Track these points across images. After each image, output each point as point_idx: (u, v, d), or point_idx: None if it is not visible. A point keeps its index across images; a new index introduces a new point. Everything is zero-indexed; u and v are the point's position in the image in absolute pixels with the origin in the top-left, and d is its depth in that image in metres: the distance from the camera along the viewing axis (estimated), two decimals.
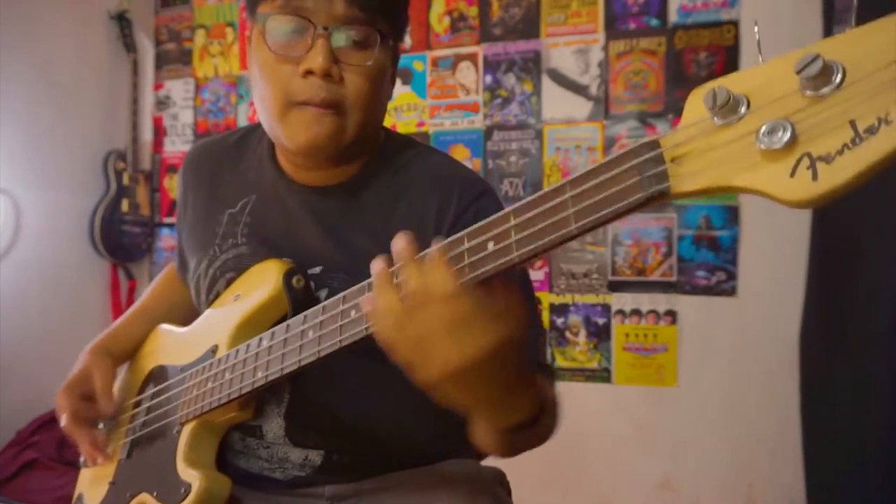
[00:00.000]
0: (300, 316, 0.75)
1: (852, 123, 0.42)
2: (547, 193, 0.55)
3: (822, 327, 1.81)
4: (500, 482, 1.02)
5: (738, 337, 2.14)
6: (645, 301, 2.23)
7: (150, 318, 1.10)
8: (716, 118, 0.47)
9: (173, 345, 1.01)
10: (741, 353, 2.13)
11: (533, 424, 0.68)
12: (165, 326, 1.07)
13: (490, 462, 1.07)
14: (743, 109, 0.46)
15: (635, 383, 2.22)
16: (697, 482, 2.17)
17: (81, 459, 1.08)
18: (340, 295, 0.70)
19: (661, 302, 2.21)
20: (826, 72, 0.43)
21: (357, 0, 0.79)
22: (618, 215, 0.51)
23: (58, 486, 2.07)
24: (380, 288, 0.61)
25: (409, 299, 0.59)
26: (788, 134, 0.44)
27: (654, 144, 0.50)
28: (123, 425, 1.01)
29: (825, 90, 0.43)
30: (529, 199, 0.56)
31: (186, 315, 1.12)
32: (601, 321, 2.27)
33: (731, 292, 2.14)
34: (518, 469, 1.05)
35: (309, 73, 0.80)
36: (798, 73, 0.43)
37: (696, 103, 0.49)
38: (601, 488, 2.24)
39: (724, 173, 0.47)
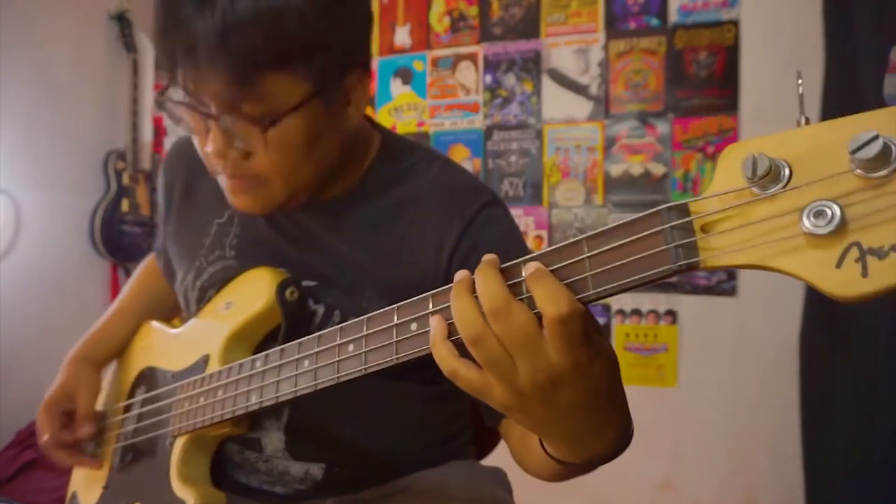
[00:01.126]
0: (295, 343, 0.72)
1: None
2: (560, 249, 0.51)
3: (822, 327, 1.81)
4: (500, 481, 1.02)
5: (738, 337, 2.14)
6: (645, 301, 2.23)
7: (134, 315, 1.07)
8: (754, 188, 0.43)
9: (164, 346, 0.99)
10: (741, 353, 2.13)
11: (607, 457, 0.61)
12: (156, 324, 1.05)
13: (489, 461, 1.07)
14: (785, 177, 0.42)
15: (635, 383, 2.22)
16: (697, 482, 2.17)
17: None
18: (337, 327, 0.67)
19: (661, 302, 2.21)
20: (884, 153, 0.38)
21: (224, 83, 0.70)
22: (641, 284, 0.47)
23: (58, 486, 2.07)
24: (458, 296, 0.53)
25: (492, 312, 0.51)
26: (837, 219, 0.39)
27: (684, 211, 0.46)
28: (114, 429, 0.99)
29: (881, 173, 0.38)
30: (541, 252, 0.52)
31: (171, 308, 1.10)
32: (601, 321, 2.27)
33: (731, 292, 2.14)
34: (518, 468, 1.05)
35: (207, 155, 0.77)
36: (853, 153, 0.39)
37: (732, 166, 0.44)
38: (601, 488, 2.24)
39: (763, 254, 0.42)
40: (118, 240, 2.72)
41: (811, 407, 1.86)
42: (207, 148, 0.76)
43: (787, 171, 0.42)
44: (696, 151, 2.17)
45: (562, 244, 0.51)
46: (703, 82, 2.17)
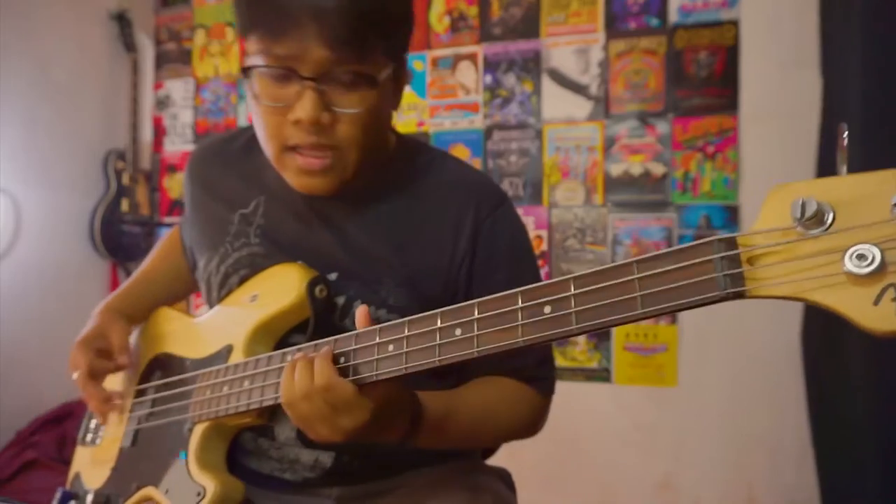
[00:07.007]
0: (331, 339, 0.74)
1: None
2: (610, 270, 0.55)
3: (824, 326, 1.80)
4: (504, 481, 1.03)
5: (738, 337, 2.13)
6: None
7: (158, 281, 1.11)
8: (799, 227, 0.48)
9: (181, 334, 1.00)
10: (741, 353, 2.13)
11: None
12: (169, 311, 1.06)
13: (494, 461, 1.08)
14: (829, 220, 0.47)
15: (635, 383, 2.22)
16: (697, 482, 2.17)
17: (79, 435, 1.07)
18: (376, 327, 0.70)
19: None
20: None
21: (339, 42, 0.76)
22: (689, 307, 0.51)
23: (58, 485, 2.06)
24: (287, 368, 0.73)
25: (299, 386, 0.71)
26: (877, 262, 0.44)
27: (732, 243, 0.50)
28: (125, 411, 1.00)
29: None
30: (590, 272, 0.57)
31: (192, 280, 1.12)
32: None
33: None
34: (518, 468, 1.05)
35: (299, 121, 0.79)
36: (895, 206, 0.44)
37: (778, 205, 0.49)
38: (601, 488, 2.24)
39: (805, 288, 0.47)
40: (118, 240, 2.72)
41: (818, 407, 1.85)
42: (298, 114, 0.78)
43: (830, 216, 0.47)
44: (696, 151, 2.17)
45: (612, 265, 0.56)
46: (703, 82, 2.17)
